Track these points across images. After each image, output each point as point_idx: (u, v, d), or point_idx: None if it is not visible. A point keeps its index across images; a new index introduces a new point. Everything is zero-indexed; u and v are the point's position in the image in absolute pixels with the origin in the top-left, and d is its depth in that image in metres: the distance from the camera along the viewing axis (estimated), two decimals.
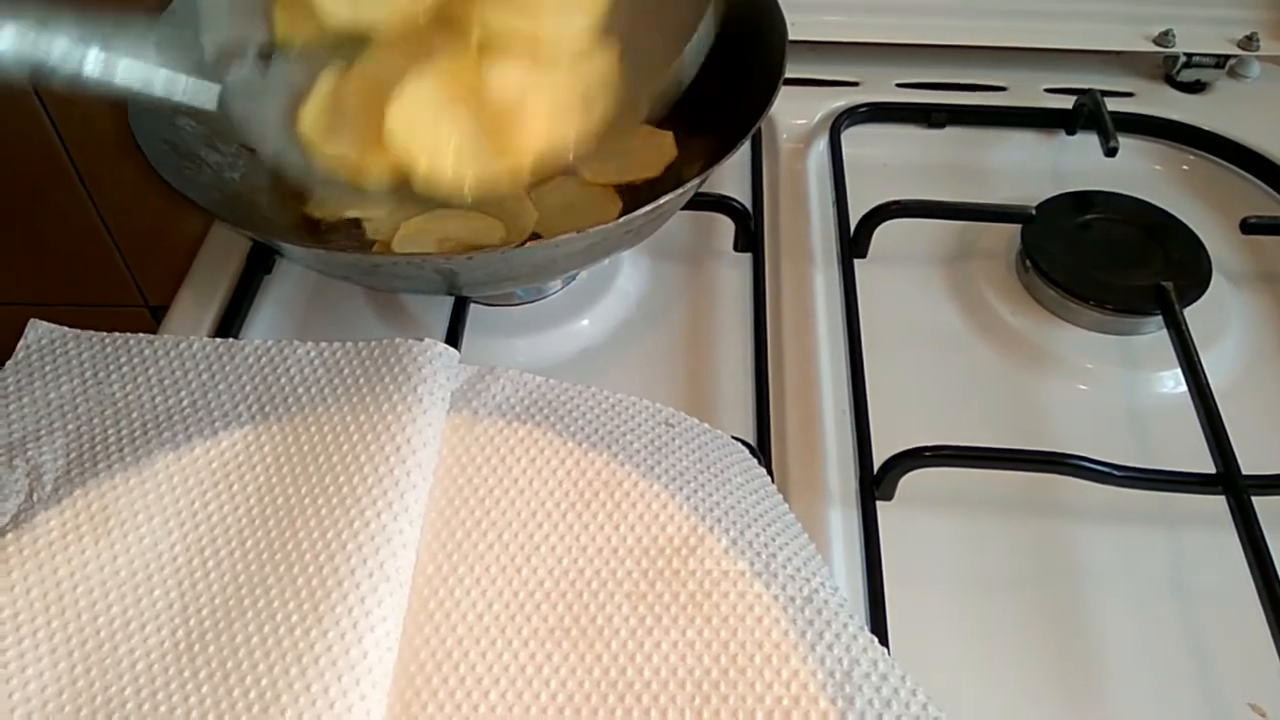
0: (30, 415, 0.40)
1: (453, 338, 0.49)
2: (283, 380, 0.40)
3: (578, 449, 0.38)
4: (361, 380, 0.39)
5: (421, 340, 0.39)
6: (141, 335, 0.42)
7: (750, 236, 0.57)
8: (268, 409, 0.39)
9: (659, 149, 0.53)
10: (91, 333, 0.42)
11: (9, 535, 0.35)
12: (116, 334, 0.42)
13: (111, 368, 0.41)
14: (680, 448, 0.38)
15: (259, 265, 0.56)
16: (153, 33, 0.35)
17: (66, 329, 0.43)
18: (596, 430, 0.38)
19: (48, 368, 0.41)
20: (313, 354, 0.40)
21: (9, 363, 0.42)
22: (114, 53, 0.35)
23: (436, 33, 0.37)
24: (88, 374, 0.41)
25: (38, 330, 0.43)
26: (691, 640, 0.33)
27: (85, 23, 0.35)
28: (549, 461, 0.38)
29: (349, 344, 0.40)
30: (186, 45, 0.36)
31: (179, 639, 0.34)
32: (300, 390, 0.39)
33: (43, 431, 0.39)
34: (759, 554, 0.35)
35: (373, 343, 0.40)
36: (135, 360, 0.41)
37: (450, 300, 0.51)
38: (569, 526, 0.36)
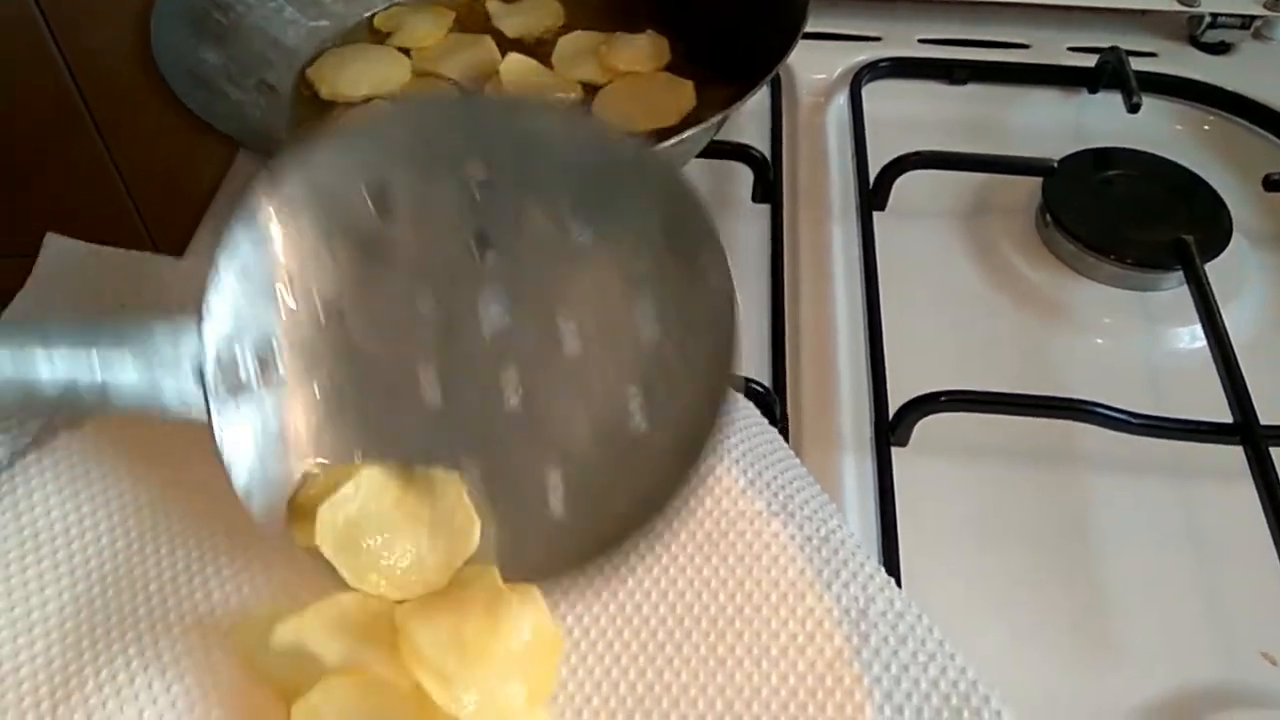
0: None
1: None
2: None
3: None
4: None
5: None
6: (164, 258, 0.42)
7: (769, 187, 0.56)
8: None
9: (678, 96, 0.53)
10: (111, 249, 0.42)
11: (30, 455, 0.35)
12: (135, 253, 0.42)
13: (135, 293, 0.41)
14: None
15: None
16: (152, 338, 0.30)
17: (85, 244, 0.42)
18: None
19: (71, 285, 0.41)
20: None
21: (29, 280, 0.42)
22: (110, 365, 0.30)
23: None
24: (109, 298, 0.41)
25: (56, 245, 0.43)
26: (708, 578, 0.33)
27: (82, 332, 0.30)
28: None
29: None
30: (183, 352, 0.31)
31: (192, 560, 0.34)
32: None
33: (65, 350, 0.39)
34: (775, 495, 0.35)
35: None
36: (159, 286, 0.41)
37: None
38: None
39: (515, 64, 0.55)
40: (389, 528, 0.33)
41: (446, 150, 0.34)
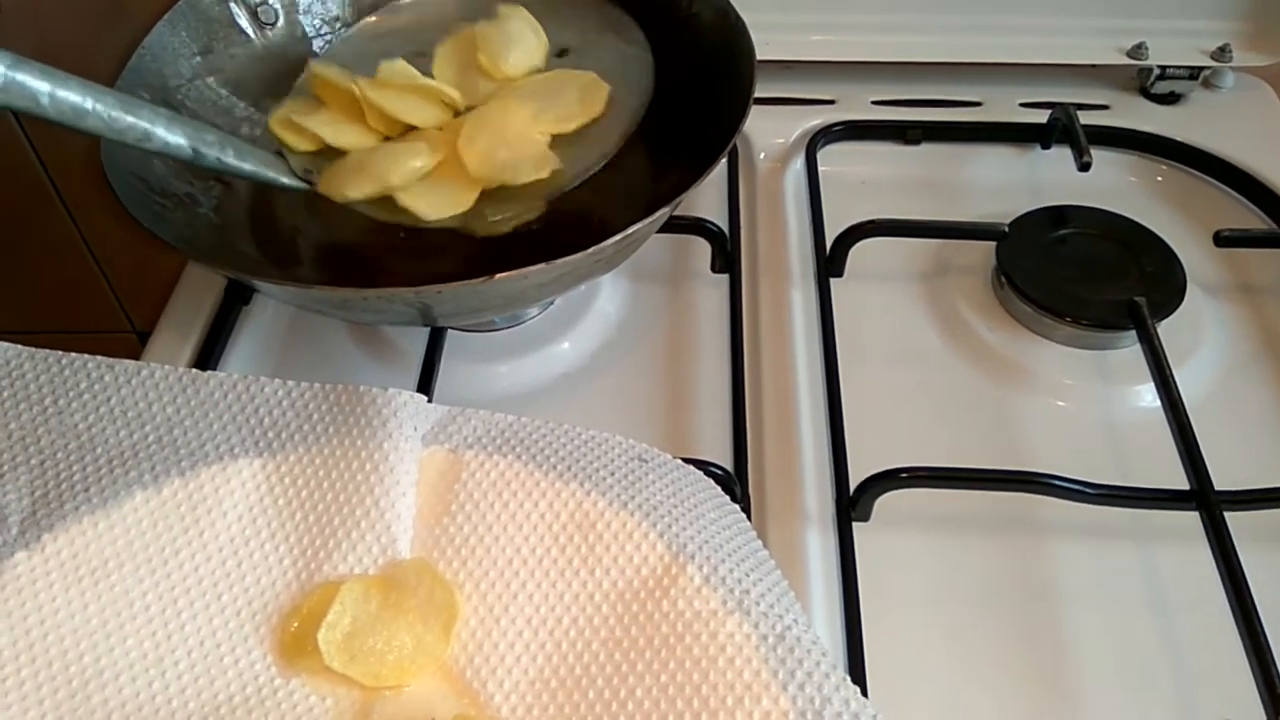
0: None
1: (429, 366, 0.49)
2: (251, 421, 0.39)
3: (550, 488, 0.38)
4: (330, 428, 0.39)
5: (387, 390, 0.39)
6: (100, 358, 0.42)
7: (727, 257, 0.57)
8: (236, 450, 0.39)
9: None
10: (46, 352, 0.42)
11: None
12: (73, 355, 0.42)
13: (71, 395, 0.41)
14: (654, 482, 0.38)
15: (237, 297, 0.56)
16: None
17: (20, 347, 0.42)
18: (570, 467, 0.38)
19: (4, 393, 0.41)
20: (280, 394, 0.40)
21: None
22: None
23: None
24: (47, 401, 0.40)
25: None
26: (665, 685, 0.33)
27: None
28: (522, 504, 0.38)
29: (316, 386, 0.40)
30: None
31: (155, 692, 0.34)
32: (270, 433, 0.39)
33: (5, 467, 0.39)
34: (732, 590, 0.35)
35: (340, 387, 0.40)
36: (96, 388, 0.40)
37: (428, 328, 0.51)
38: (545, 573, 0.36)
39: None
40: (384, 627, 0.35)
41: None
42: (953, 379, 0.53)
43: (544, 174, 0.47)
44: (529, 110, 0.49)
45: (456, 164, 0.47)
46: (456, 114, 0.50)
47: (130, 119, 0.39)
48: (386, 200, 0.47)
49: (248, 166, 0.45)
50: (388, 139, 0.50)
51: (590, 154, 0.49)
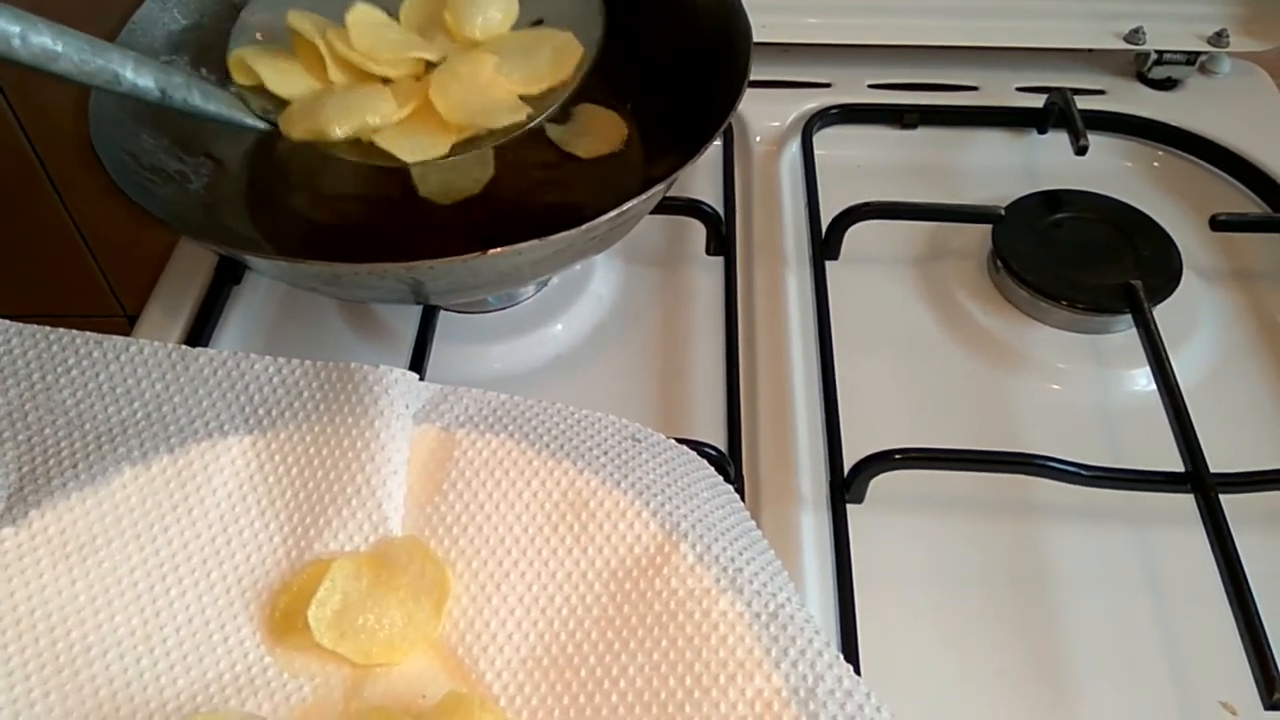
0: None
1: (421, 346, 0.49)
2: (241, 398, 0.39)
3: (543, 467, 0.38)
4: (321, 405, 0.39)
5: (379, 368, 0.39)
6: (89, 334, 0.41)
7: (722, 240, 0.56)
8: (226, 427, 0.38)
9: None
10: (35, 327, 0.42)
11: None
12: (62, 331, 0.41)
13: (60, 370, 0.40)
14: (646, 461, 0.38)
15: (227, 276, 0.55)
16: None
17: (7, 322, 0.42)
18: (562, 446, 0.38)
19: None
20: (270, 371, 0.40)
21: None
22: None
23: None
24: (35, 377, 0.40)
25: None
26: (658, 663, 0.33)
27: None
28: (515, 483, 0.37)
29: (307, 363, 0.40)
30: None
31: (143, 668, 0.33)
32: (260, 410, 0.39)
33: None
34: (725, 569, 0.35)
35: (331, 365, 0.40)
36: (85, 363, 0.40)
37: (421, 307, 0.51)
38: (537, 551, 0.36)
39: None
40: (375, 604, 0.35)
41: None
42: (948, 362, 0.53)
43: (520, 118, 0.47)
44: (496, 64, 0.48)
45: (431, 111, 0.47)
46: (427, 66, 0.50)
47: (99, 61, 0.39)
48: (366, 145, 0.47)
49: (213, 107, 0.45)
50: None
51: (546, 102, 0.49)
